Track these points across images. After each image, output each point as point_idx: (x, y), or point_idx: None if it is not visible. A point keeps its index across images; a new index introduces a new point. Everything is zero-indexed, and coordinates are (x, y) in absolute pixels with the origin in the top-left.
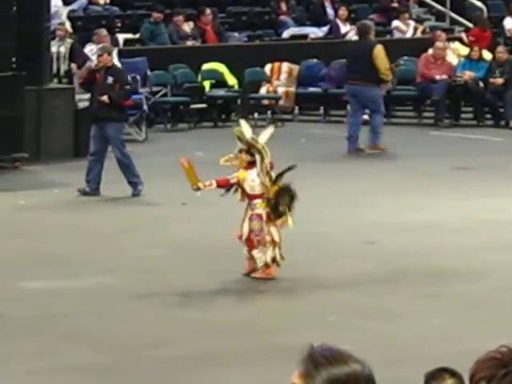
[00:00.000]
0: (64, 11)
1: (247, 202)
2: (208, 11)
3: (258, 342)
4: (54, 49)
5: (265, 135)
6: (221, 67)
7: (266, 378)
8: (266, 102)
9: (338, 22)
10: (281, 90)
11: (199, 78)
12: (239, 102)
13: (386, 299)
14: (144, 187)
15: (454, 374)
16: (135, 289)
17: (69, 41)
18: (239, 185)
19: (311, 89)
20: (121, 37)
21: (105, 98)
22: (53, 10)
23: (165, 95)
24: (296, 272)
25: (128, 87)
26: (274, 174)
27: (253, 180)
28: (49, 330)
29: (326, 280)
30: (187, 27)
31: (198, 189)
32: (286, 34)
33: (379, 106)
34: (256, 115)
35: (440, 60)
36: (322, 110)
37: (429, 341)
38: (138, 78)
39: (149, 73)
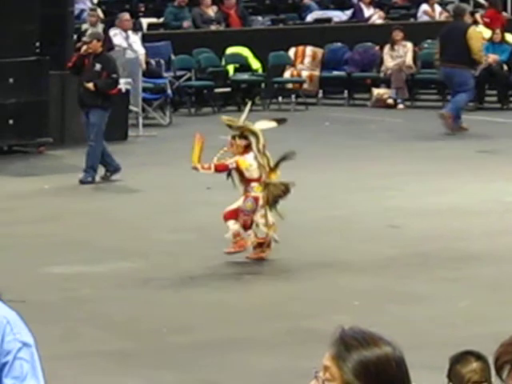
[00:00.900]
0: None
1: (244, 187)
2: None
3: (284, 327)
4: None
5: (263, 125)
6: (245, 51)
7: (293, 362)
8: (290, 85)
9: (362, 5)
10: (305, 74)
11: (223, 62)
12: (263, 85)
13: (411, 283)
14: (93, 180)
15: (479, 357)
16: (159, 273)
17: (100, 26)
18: (237, 169)
19: (335, 72)
20: (144, 21)
21: (90, 85)
22: None
23: (189, 79)
24: (320, 256)
25: (115, 76)
26: (271, 159)
27: (251, 165)
28: (73, 314)
29: (351, 264)
30: (211, 11)
31: (196, 169)
32: (309, 18)
33: (468, 88)
34: (280, 99)
35: None
36: (345, 94)
37: (454, 324)
38: (162, 62)
39: (173, 57)
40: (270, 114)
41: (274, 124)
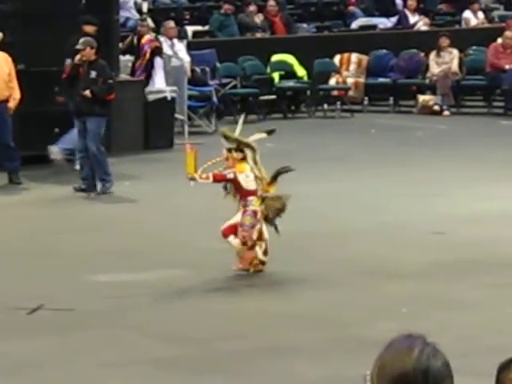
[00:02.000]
0: (144, 5)
1: (240, 200)
2: (272, 2)
3: (331, 334)
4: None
5: (255, 137)
6: (290, 58)
7: (340, 370)
8: (335, 92)
9: (407, 12)
10: (350, 81)
11: (268, 70)
12: (308, 93)
13: (458, 289)
14: (113, 186)
15: None
16: (206, 281)
17: (152, 35)
18: (234, 181)
19: (380, 79)
20: (190, 29)
21: (87, 92)
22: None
23: (234, 87)
24: (367, 262)
25: (111, 81)
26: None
27: (247, 176)
28: (120, 322)
29: (397, 270)
30: (257, 19)
31: (193, 179)
32: (354, 25)
33: None
34: (325, 106)
35: (509, 49)
36: (391, 101)
37: (503, 330)
38: (208, 69)
39: (218, 65)
40: (315, 121)
41: (264, 135)
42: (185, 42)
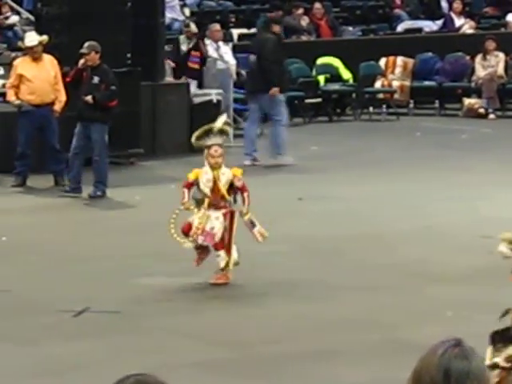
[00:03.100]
0: (186, 11)
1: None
2: (318, 5)
3: (374, 338)
4: (183, 47)
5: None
6: (335, 61)
7: (384, 373)
8: (380, 95)
9: (453, 15)
10: (396, 84)
11: (314, 73)
12: (354, 96)
13: (504, 293)
14: (104, 194)
15: None
16: (250, 284)
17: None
18: (215, 183)
19: (426, 82)
20: (235, 32)
21: (89, 98)
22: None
23: None
24: (411, 266)
25: (114, 88)
26: None
27: (223, 173)
28: (165, 325)
29: (442, 274)
30: (303, 22)
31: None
32: (400, 28)
33: None
34: (371, 109)
35: None
36: (437, 104)
37: None
38: None
39: None
40: (361, 124)
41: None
42: (230, 44)
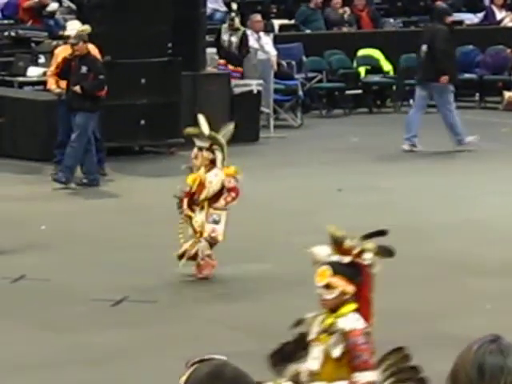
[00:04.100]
0: (233, 5)
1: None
2: None
3: (417, 330)
4: (225, 37)
5: (225, 132)
6: (376, 53)
7: (427, 365)
8: None
9: (494, 8)
10: None
11: (354, 64)
12: (394, 88)
13: None
14: (67, 181)
15: None
16: (290, 276)
17: (241, 30)
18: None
19: (466, 75)
20: (276, 22)
21: (77, 88)
22: None
23: (320, 81)
24: (451, 258)
25: (102, 77)
26: None
27: (210, 182)
28: (201, 315)
29: (481, 267)
30: (344, 13)
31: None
32: None
33: None
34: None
35: None
36: (477, 97)
37: None
38: (294, 63)
39: (304, 59)
40: (401, 116)
41: (231, 126)
42: (271, 35)
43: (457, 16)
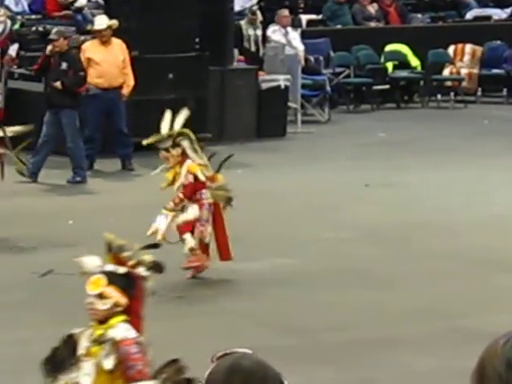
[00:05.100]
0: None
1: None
2: None
3: (441, 326)
4: (246, 32)
5: (179, 120)
6: (404, 48)
7: (450, 362)
8: (449, 83)
9: None
10: (464, 72)
11: (382, 59)
12: (422, 83)
13: None
14: (84, 180)
15: None
16: (316, 271)
17: (260, 25)
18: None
19: (494, 70)
20: (304, 17)
21: (58, 83)
22: None
23: (348, 76)
24: (477, 254)
25: (82, 73)
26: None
27: (179, 174)
28: (229, 310)
29: (508, 263)
30: (371, 8)
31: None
32: (469, 16)
33: None
34: (439, 97)
35: None
36: (505, 92)
37: None
38: (321, 58)
39: (332, 54)
40: (429, 111)
41: (184, 113)
42: (299, 30)
43: (484, 11)
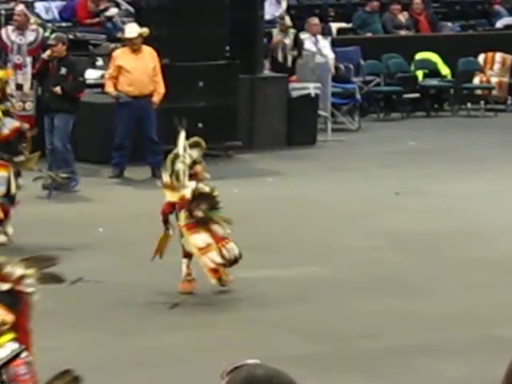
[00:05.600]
0: (283, 3)
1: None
2: (417, 0)
3: (475, 334)
4: (278, 37)
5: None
6: (434, 57)
7: (484, 370)
8: (478, 92)
9: None
10: (494, 80)
11: (412, 68)
12: (452, 91)
13: None
14: (78, 185)
15: None
16: (348, 279)
17: (292, 31)
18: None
19: None
20: (334, 26)
21: (57, 89)
22: None
23: (378, 85)
24: (509, 263)
25: (81, 79)
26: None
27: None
28: (262, 319)
29: None
30: (402, 17)
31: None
32: (499, 24)
33: None
34: (469, 105)
35: None
36: None
37: None
38: (351, 67)
39: (362, 62)
40: (459, 120)
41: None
42: (329, 38)
43: None
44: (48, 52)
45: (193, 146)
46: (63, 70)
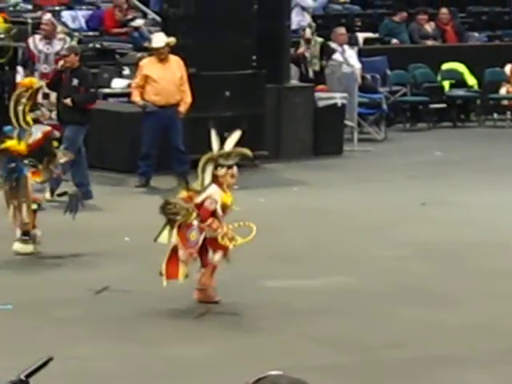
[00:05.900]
0: (306, 14)
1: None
2: (444, 10)
3: (499, 345)
4: (301, 50)
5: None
6: (460, 67)
7: (509, 380)
8: (505, 102)
9: None
10: None
11: (439, 78)
12: (478, 102)
13: None
14: (91, 194)
15: None
16: (374, 288)
17: (319, 40)
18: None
19: None
20: (361, 36)
21: (68, 100)
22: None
23: (404, 95)
24: None
25: (93, 90)
26: None
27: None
28: (288, 328)
29: None
30: (429, 27)
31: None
32: None
33: None
34: (495, 116)
35: None
36: None
37: None
38: (378, 77)
39: (388, 72)
40: (485, 130)
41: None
42: (356, 48)
43: None
44: (61, 62)
45: (235, 155)
46: (75, 81)
